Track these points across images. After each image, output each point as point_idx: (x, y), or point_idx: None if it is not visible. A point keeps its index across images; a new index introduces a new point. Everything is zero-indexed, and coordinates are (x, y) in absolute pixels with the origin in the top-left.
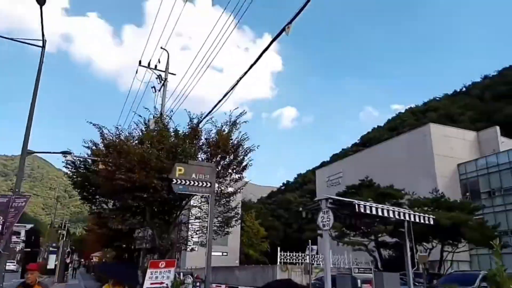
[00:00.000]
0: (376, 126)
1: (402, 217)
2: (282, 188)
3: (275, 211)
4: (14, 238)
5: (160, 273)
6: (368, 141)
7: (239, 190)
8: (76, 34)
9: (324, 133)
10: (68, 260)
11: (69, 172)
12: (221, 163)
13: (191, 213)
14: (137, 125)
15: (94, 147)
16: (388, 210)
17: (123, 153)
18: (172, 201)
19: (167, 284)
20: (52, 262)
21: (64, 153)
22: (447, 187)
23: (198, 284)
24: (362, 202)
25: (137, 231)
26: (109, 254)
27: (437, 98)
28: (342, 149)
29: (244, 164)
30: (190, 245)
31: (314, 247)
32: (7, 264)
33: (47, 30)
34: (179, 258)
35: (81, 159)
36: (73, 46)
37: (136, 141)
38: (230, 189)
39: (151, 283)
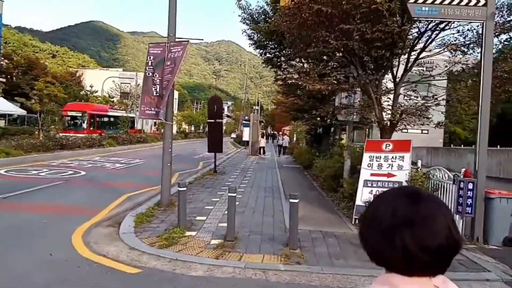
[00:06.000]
0: None
1: None
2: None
3: None
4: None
5: (385, 159)
6: None
7: None
8: None
9: None
10: (259, 139)
11: (247, 31)
12: None
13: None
14: None
15: None
16: None
17: None
18: (400, 37)
19: (404, 181)
20: (246, 134)
21: None
22: None
23: (469, 184)
24: None
25: (340, 96)
26: (300, 128)
27: None
28: None
29: None
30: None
31: None
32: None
33: None
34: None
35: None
36: None
37: None
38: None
39: (372, 174)
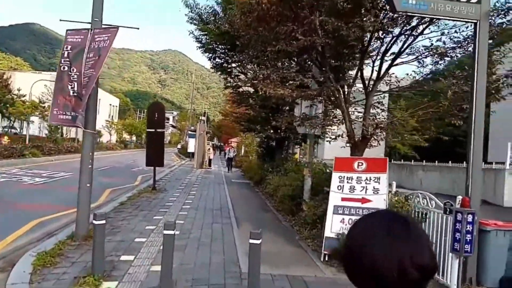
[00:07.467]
0: None
1: None
2: (428, 75)
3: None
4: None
5: (358, 180)
6: None
7: None
8: None
9: None
10: (209, 150)
11: (194, 32)
12: None
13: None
14: None
15: None
16: None
17: None
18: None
19: (382, 207)
20: (192, 145)
21: None
22: None
23: (468, 216)
24: None
25: (301, 106)
26: (248, 140)
27: None
28: None
29: None
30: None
31: None
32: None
33: None
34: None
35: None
36: None
37: None
38: None
39: (343, 198)
